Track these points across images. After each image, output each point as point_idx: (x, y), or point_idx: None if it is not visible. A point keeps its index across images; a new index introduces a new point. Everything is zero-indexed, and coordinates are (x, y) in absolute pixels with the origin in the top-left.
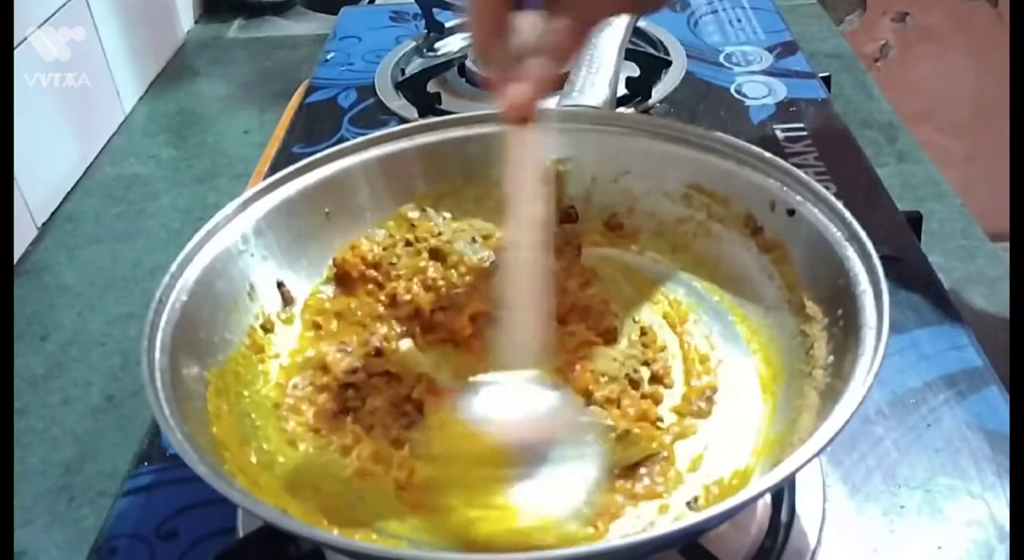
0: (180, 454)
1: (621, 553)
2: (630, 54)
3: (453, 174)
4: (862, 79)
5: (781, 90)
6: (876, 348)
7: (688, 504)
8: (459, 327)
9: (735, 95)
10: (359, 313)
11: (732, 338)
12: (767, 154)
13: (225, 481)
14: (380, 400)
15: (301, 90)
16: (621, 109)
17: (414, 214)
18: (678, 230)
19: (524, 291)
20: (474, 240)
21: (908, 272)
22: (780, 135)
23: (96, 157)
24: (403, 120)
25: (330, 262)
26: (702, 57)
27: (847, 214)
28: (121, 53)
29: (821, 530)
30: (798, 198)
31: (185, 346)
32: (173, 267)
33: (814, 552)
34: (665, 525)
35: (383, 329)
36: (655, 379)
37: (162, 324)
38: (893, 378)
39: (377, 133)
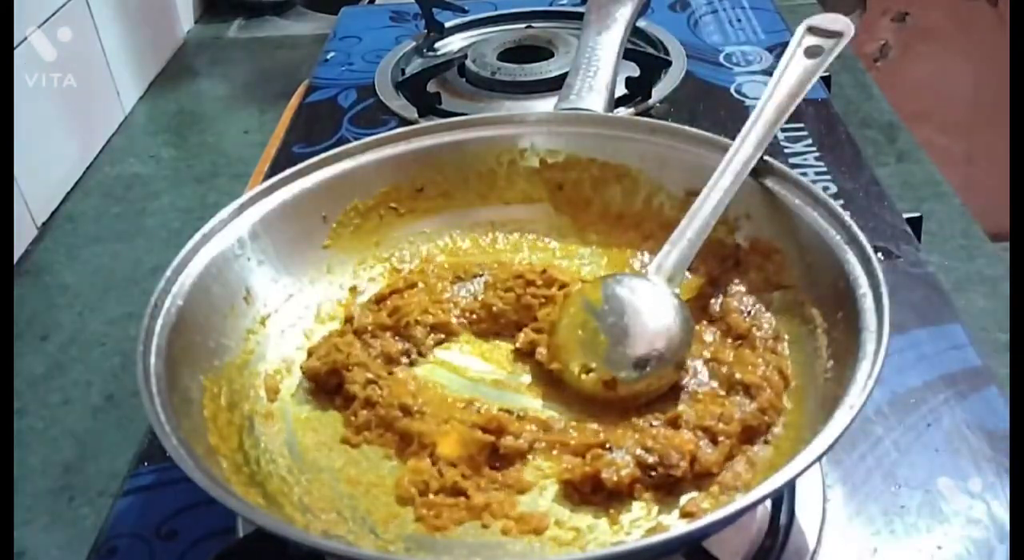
0: (176, 460)
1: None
2: (630, 54)
3: (451, 177)
4: (862, 79)
5: None
6: (876, 353)
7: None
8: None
9: (735, 95)
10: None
11: None
12: (766, 158)
13: (221, 487)
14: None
15: (301, 90)
16: (621, 109)
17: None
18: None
19: None
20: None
21: (908, 272)
22: (780, 135)
23: (96, 157)
24: (403, 120)
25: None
26: (702, 57)
27: (846, 217)
28: (121, 53)
29: (821, 530)
30: (797, 202)
31: (181, 351)
32: (168, 271)
33: (814, 552)
34: (666, 531)
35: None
36: None
37: (157, 329)
38: (893, 378)
39: (374, 136)
